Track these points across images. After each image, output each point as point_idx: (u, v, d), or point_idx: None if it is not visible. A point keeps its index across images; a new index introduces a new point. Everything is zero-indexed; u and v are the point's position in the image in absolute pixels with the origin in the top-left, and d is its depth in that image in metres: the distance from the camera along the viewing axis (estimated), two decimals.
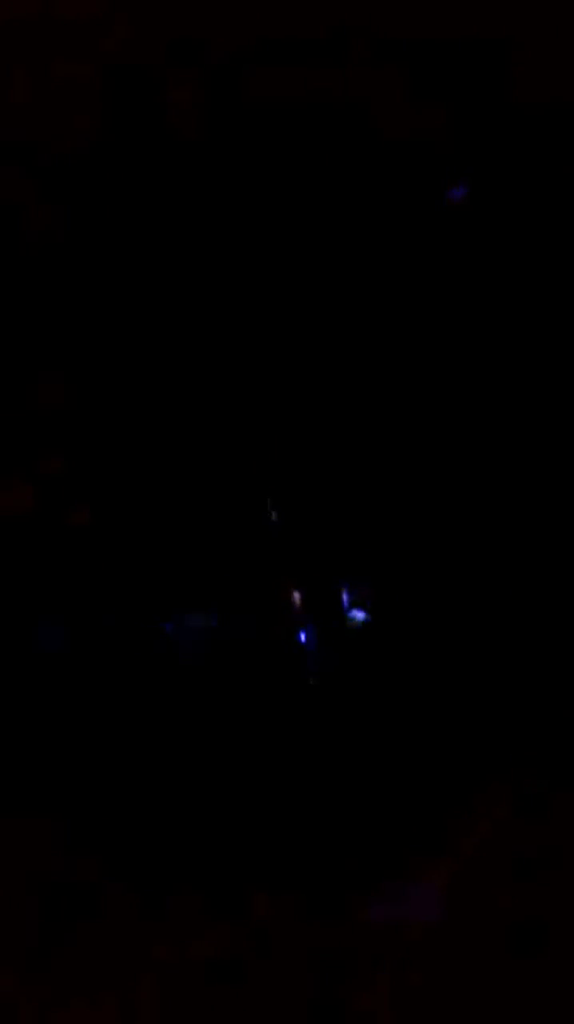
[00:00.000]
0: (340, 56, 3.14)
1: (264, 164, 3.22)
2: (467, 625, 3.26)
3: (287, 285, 3.29)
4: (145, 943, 2.77)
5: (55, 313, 3.25)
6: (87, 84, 3.11)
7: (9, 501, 3.17)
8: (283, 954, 2.71)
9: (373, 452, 3.32)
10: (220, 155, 3.20)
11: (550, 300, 3.28)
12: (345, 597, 3.32)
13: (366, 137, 3.19)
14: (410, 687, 3.23)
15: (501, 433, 3.30)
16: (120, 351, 3.30)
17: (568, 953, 2.66)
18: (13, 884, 2.89)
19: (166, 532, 3.30)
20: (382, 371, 3.32)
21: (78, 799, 3.06)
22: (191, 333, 3.30)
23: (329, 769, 3.15)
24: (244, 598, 3.29)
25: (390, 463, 3.31)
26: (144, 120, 3.12)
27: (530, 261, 3.27)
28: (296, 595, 3.30)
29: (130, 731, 3.19)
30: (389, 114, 3.19)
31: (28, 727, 3.16)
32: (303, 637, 3.27)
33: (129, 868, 2.95)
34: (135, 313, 3.28)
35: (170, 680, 3.23)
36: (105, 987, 2.67)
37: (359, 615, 3.31)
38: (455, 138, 3.21)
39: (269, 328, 3.30)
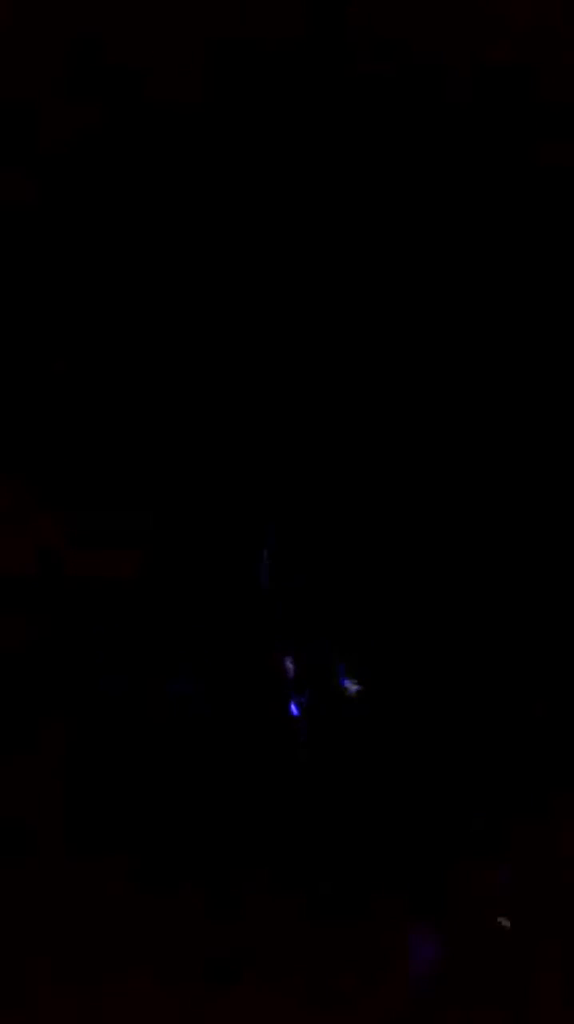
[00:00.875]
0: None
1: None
2: (463, 699, 3.24)
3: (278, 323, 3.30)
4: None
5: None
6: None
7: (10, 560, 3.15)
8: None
9: (369, 520, 3.31)
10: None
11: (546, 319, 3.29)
12: (339, 667, 3.30)
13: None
14: (403, 760, 3.20)
15: (497, 504, 3.31)
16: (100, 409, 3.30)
17: None
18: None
19: (157, 594, 3.28)
20: (375, 435, 3.32)
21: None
22: (170, 391, 3.31)
23: (318, 841, 3.12)
24: (234, 666, 3.26)
25: (386, 532, 3.31)
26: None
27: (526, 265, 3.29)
28: (288, 664, 3.28)
29: (111, 808, 3.15)
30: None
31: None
32: (294, 708, 3.25)
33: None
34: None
35: (158, 749, 3.20)
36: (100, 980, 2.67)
37: (352, 686, 3.29)
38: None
39: (255, 384, 3.30)
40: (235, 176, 3.24)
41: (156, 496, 3.29)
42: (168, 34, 3.10)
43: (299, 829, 3.07)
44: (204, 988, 2.64)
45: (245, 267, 3.28)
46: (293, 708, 3.23)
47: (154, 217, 3.25)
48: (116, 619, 3.24)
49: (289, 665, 3.26)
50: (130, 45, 3.09)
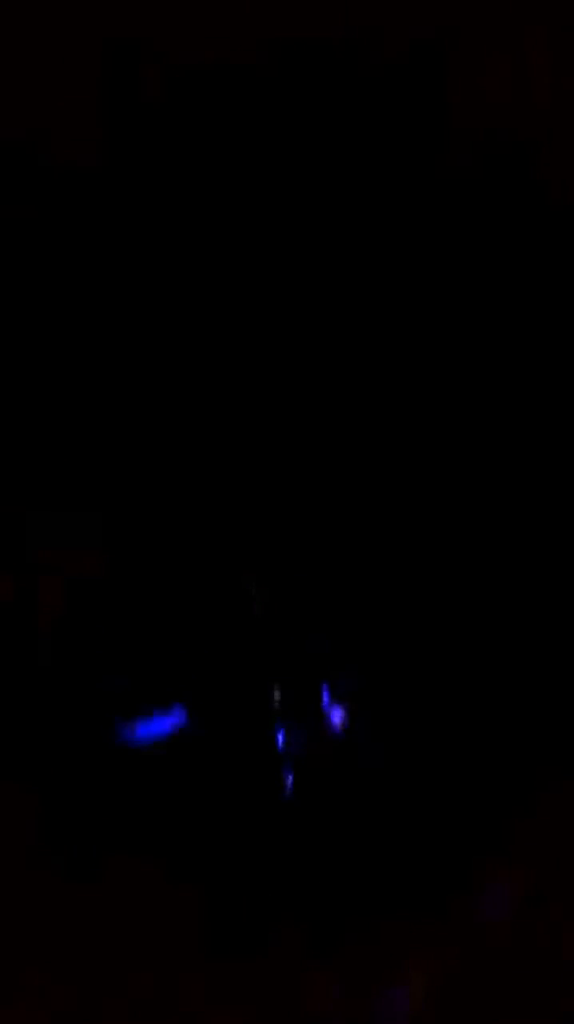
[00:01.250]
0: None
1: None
2: (454, 729, 3.22)
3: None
4: None
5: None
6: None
7: None
8: None
9: (358, 551, 3.29)
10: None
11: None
12: (326, 696, 3.27)
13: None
14: (391, 791, 3.18)
15: (492, 526, 3.29)
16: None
17: None
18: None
19: (140, 625, 3.25)
20: (366, 453, 3.30)
21: None
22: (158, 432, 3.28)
23: (304, 871, 3.10)
24: (220, 695, 3.23)
25: (376, 562, 3.28)
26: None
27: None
28: (275, 693, 3.25)
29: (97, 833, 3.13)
30: None
31: None
32: (281, 738, 3.22)
33: None
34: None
35: (139, 779, 3.17)
36: None
37: (340, 715, 3.26)
38: None
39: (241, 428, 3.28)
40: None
41: (136, 509, 3.27)
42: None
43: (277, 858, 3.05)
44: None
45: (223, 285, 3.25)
46: (279, 736, 3.20)
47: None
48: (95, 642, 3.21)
49: (276, 692, 3.23)
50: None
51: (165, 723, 3.20)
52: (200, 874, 3.02)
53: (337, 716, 3.24)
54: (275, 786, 3.15)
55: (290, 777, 3.16)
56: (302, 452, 3.26)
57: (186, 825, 3.10)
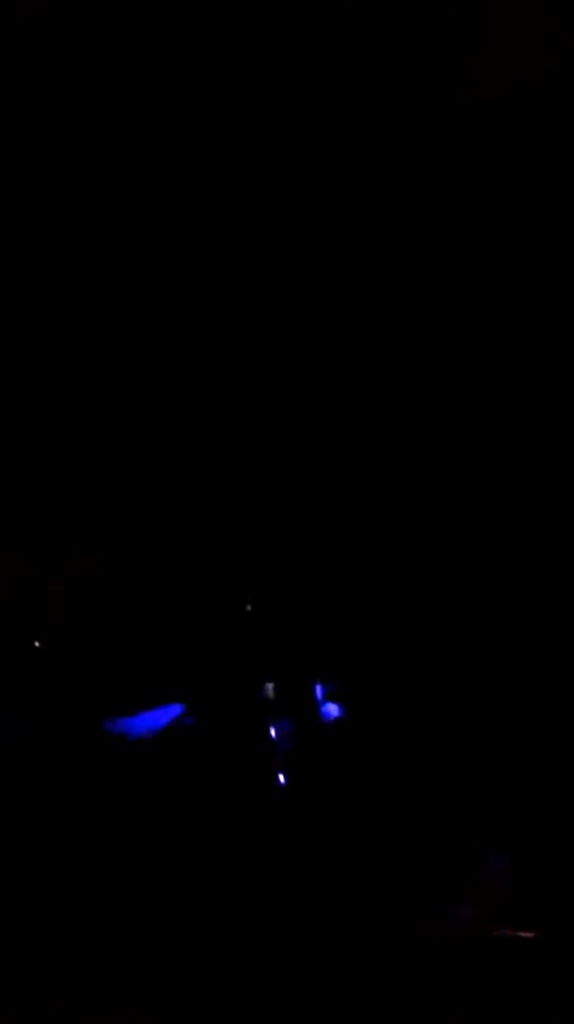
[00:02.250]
0: None
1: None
2: (441, 722, 3.25)
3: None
4: None
5: None
6: None
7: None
8: None
9: (351, 556, 3.31)
10: None
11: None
12: (319, 691, 3.31)
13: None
14: (383, 781, 3.21)
15: (476, 533, 3.30)
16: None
17: None
18: None
19: (141, 622, 3.30)
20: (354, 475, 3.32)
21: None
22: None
23: (297, 862, 3.13)
24: (217, 690, 3.28)
25: (369, 567, 3.31)
26: None
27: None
28: (269, 688, 3.29)
29: (91, 823, 3.18)
30: None
31: None
32: (274, 731, 3.27)
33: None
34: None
35: (138, 771, 3.23)
36: None
37: (333, 709, 3.31)
38: None
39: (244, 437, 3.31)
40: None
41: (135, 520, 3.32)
42: None
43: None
44: None
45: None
46: (272, 733, 3.25)
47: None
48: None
49: (270, 690, 3.28)
50: None
51: (162, 717, 3.25)
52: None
53: (327, 710, 3.28)
54: (268, 774, 3.19)
55: (283, 765, 3.21)
56: (292, 464, 3.29)
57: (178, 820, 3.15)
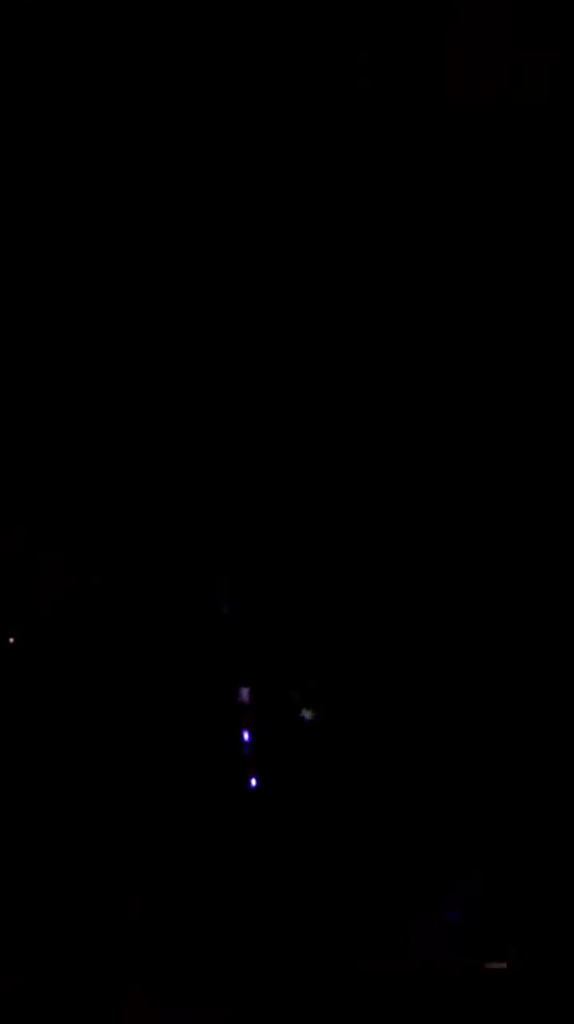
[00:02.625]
0: None
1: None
2: (418, 728, 3.24)
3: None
4: None
5: None
6: None
7: None
8: None
9: (332, 559, 3.30)
10: None
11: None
12: (294, 696, 3.30)
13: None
14: (354, 789, 3.21)
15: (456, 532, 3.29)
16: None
17: None
18: None
19: (116, 625, 3.29)
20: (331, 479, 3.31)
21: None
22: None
23: (269, 868, 3.13)
24: (190, 693, 3.27)
25: (347, 570, 3.30)
26: None
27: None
28: (244, 692, 3.28)
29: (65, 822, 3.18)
30: None
31: None
32: (246, 735, 3.26)
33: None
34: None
35: (112, 774, 3.22)
36: None
37: (306, 715, 3.30)
38: None
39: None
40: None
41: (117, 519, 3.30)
42: None
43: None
44: None
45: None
46: (245, 737, 3.24)
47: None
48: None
49: (244, 693, 3.27)
50: None
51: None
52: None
53: (302, 715, 3.27)
54: (238, 779, 3.19)
55: (254, 769, 3.20)
56: (274, 463, 3.28)
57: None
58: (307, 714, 3.29)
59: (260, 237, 3.24)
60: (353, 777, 3.21)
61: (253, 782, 3.21)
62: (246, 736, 3.24)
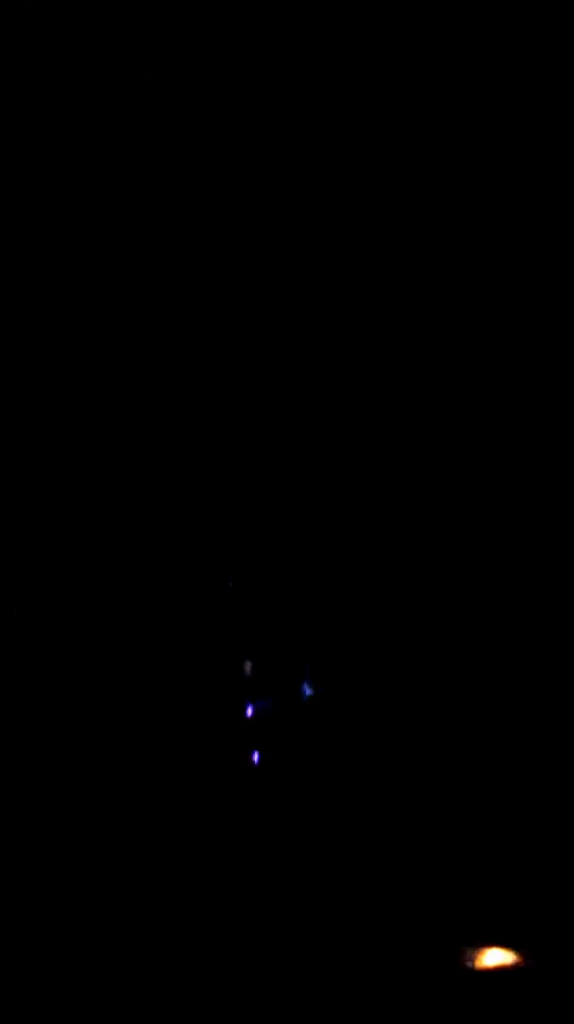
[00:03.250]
0: None
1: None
2: (420, 706, 3.25)
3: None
4: None
5: None
6: None
7: None
8: None
9: (334, 536, 3.30)
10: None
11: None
12: (298, 671, 3.30)
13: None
14: (358, 766, 3.22)
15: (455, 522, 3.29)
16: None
17: None
18: None
19: (121, 596, 3.28)
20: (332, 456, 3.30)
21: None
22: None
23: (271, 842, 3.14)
24: (194, 667, 3.27)
25: (348, 546, 3.30)
26: None
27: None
28: (247, 665, 3.28)
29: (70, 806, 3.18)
30: None
31: None
32: (250, 710, 3.26)
33: None
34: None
35: (115, 749, 3.22)
36: None
37: (309, 690, 3.30)
38: None
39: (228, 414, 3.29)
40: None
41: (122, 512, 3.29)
42: None
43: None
44: None
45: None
46: (248, 711, 3.24)
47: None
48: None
49: (248, 668, 3.27)
50: None
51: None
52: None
53: (304, 691, 3.28)
54: (242, 755, 3.20)
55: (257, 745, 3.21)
56: (276, 443, 3.28)
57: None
58: (309, 689, 3.29)
59: (258, 219, 3.22)
60: (356, 753, 3.22)
61: (255, 757, 3.22)
62: (249, 711, 3.25)
